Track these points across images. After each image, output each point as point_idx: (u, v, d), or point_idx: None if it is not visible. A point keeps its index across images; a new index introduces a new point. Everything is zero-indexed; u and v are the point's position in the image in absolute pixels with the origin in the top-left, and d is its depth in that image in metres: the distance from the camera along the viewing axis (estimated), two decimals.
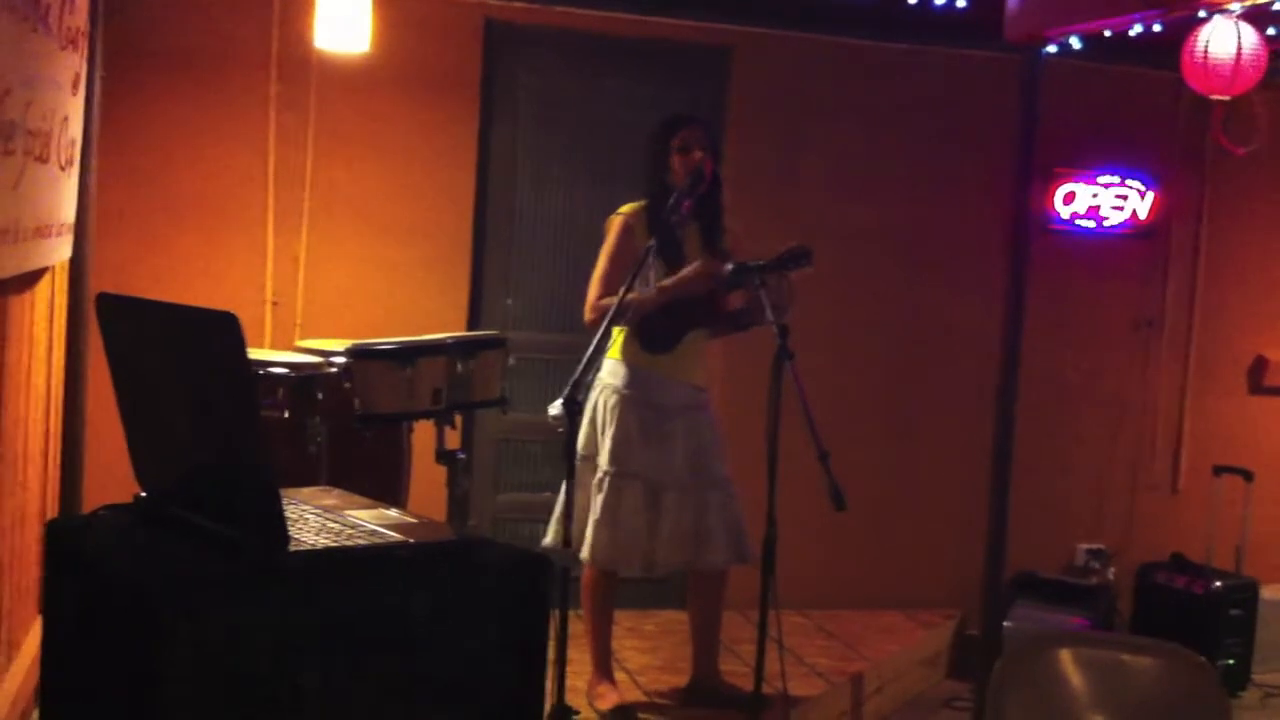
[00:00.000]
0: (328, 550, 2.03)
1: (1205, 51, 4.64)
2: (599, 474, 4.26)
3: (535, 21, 5.53)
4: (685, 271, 4.22)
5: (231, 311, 1.93)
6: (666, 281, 4.21)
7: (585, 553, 4.25)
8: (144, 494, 2.24)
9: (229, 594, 1.91)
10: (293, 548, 2.00)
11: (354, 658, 1.95)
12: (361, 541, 2.08)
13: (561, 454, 3.89)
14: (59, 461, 4.30)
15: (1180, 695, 3.12)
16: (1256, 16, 4.69)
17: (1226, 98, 4.85)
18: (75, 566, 2.18)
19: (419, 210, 5.41)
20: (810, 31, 5.76)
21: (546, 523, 4.39)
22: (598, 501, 4.23)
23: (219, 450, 2.06)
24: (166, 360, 2.13)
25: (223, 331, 1.93)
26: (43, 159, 3.31)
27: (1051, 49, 5.47)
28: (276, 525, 1.98)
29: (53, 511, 4.22)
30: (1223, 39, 4.62)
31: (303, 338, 5.02)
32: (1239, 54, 4.60)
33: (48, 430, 4.19)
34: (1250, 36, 4.62)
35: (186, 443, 2.14)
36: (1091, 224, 6.17)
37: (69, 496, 4.25)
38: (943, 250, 6.01)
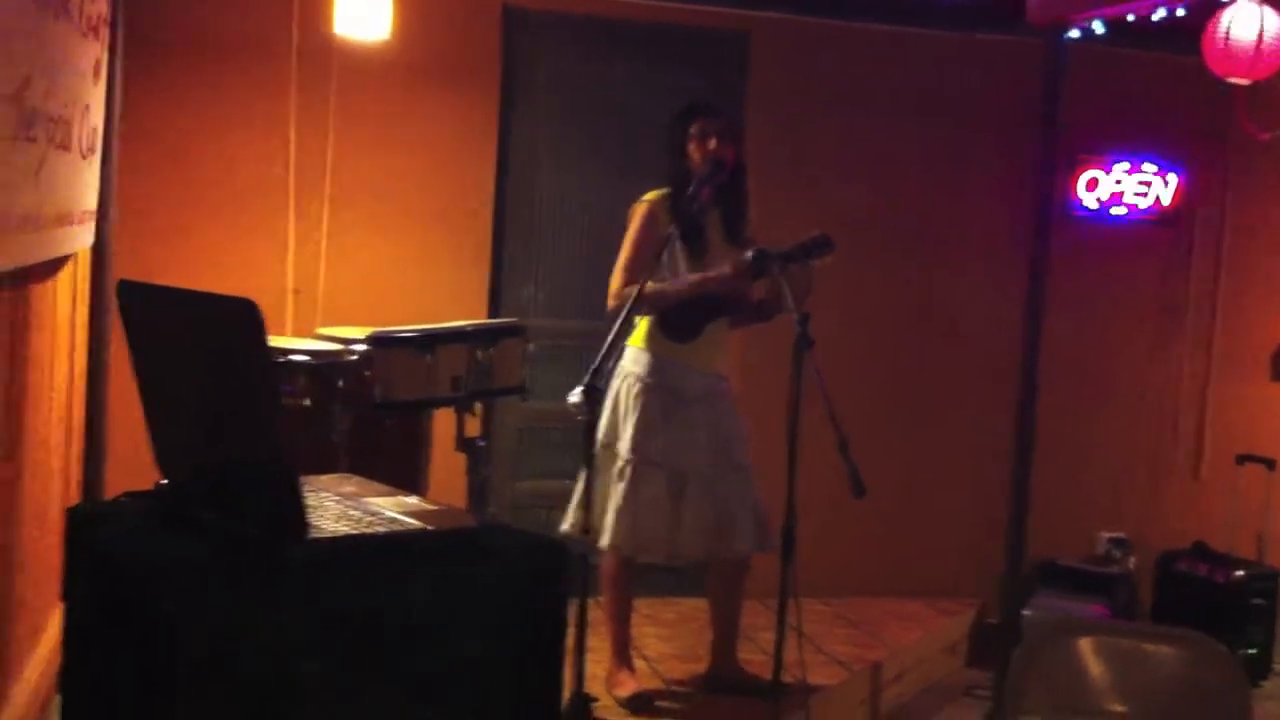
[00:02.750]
0: (347, 538, 2.03)
1: (1227, 35, 4.60)
2: (620, 462, 4.26)
3: (553, 8, 5.53)
4: (714, 274, 4.21)
5: (251, 298, 1.93)
6: (694, 277, 4.21)
7: (606, 540, 4.25)
8: (165, 481, 2.25)
9: (248, 581, 1.91)
10: (312, 535, 2.00)
11: (372, 644, 1.96)
12: (381, 529, 2.08)
13: (581, 442, 3.89)
14: (81, 449, 4.32)
15: (1201, 683, 3.12)
16: None
17: (1246, 81, 4.82)
18: (94, 554, 2.19)
19: (440, 198, 5.41)
20: (829, 17, 5.74)
21: (565, 510, 4.40)
22: (619, 489, 4.23)
23: (239, 437, 2.07)
24: (187, 347, 2.13)
25: (243, 318, 1.93)
26: (64, 146, 3.32)
27: (1074, 34, 5.44)
28: (296, 513, 1.99)
29: (75, 499, 4.24)
30: (1245, 23, 4.59)
31: (324, 325, 5.03)
32: (1260, 38, 4.56)
33: (70, 418, 4.21)
34: (1273, 21, 4.59)
35: (207, 430, 2.14)
36: (1115, 211, 6.14)
37: (91, 484, 4.27)
38: (964, 237, 5.99)
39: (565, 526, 4.32)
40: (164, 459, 2.25)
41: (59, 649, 3.30)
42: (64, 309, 4.04)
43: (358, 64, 5.19)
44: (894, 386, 5.95)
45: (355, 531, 2.06)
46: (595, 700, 3.88)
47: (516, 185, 5.59)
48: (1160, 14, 5.18)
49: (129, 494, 2.28)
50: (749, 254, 4.10)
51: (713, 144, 4.25)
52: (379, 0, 4.76)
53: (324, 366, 4.00)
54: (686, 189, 4.17)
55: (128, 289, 2.22)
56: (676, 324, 4.25)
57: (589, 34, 5.63)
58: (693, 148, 4.28)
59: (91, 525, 2.25)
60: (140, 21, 4.68)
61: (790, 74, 5.79)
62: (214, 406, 2.10)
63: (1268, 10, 4.60)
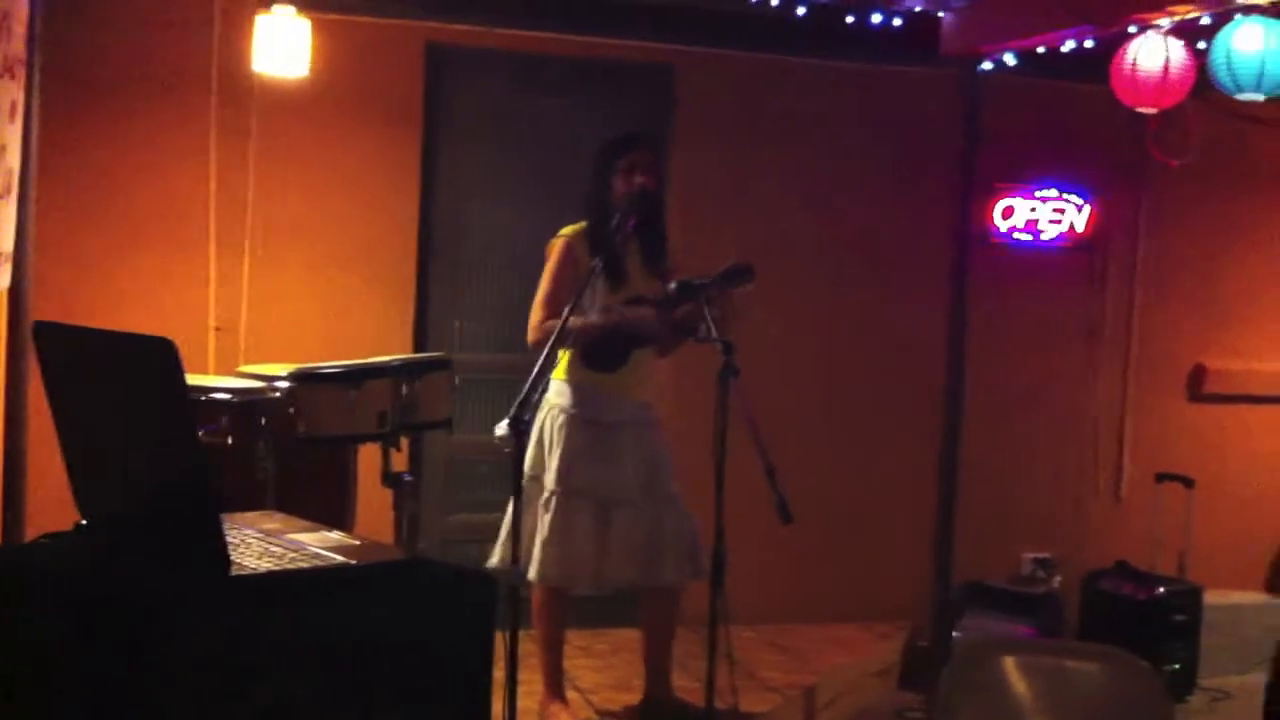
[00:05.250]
0: (269, 573, 2.02)
1: (1133, 65, 4.72)
2: (546, 494, 4.27)
3: (476, 44, 5.55)
4: (633, 313, 4.23)
5: (168, 338, 1.93)
6: (613, 314, 4.23)
7: (533, 572, 4.25)
8: (85, 521, 2.23)
9: (169, 619, 1.90)
10: (235, 571, 1.99)
11: (297, 681, 1.95)
12: (304, 564, 2.08)
13: (510, 475, 3.89)
14: (0, 491, 4.25)
15: (1124, 700, 3.16)
16: (1185, 32, 4.79)
17: (1154, 110, 4.94)
18: (18, 595, 2.17)
19: (363, 233, 5.40)
20: (751, 50, 5.81)
21: (494, 543, 4.39)
22: (545, 521, 4.24)
23: (158, 476, 2.06)
24: (105, 388, 2.12)
25: (160, 358, 1.92)
26: None
27: (987, 65, 5.56)
28: (217, 550, 1.98)
29: None
30: (1151, 53, 4.71)
31: (247, 363, 5.00)
32: (1166, 68, 4.69)
33: None
34: (1178, 50, 4.71)
35: (126, 469, 2.13)
36: (1030, 237, 6.25)
37: (11, 526, 4.20)
38: (887, 263, 6.06)
39: (494, 560, 4.31)
40: (84, 500, 2.24)
41: None
42: None
43: (279, 100, 5.17)
44: (822, 411, 6.00)
45: (277, 567, 2.05)
46: None
47: (441, 219, 5.59)
48: (1069, 45, 5.31)
49: (49, 535, 2.26)
50: (672, 286, 4.13)
51: (638, 177, 4.29)
52: (298, 37, 4.75)
53: (246, 404, 3.97)
54: (606, 221, 4.20)
55: (44, 330, 2.21)
56: (600, 355, 4.28)
57: (512, 69, 5.65)
58: (619, 180, 4.31)
59: (13, 566, 2.23)
60: (58, 61, 4.64)
61: (715, 105, 5.85)
62: (133, 446, 2.09)
63: (1172, 41, 4.73)
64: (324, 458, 4.07)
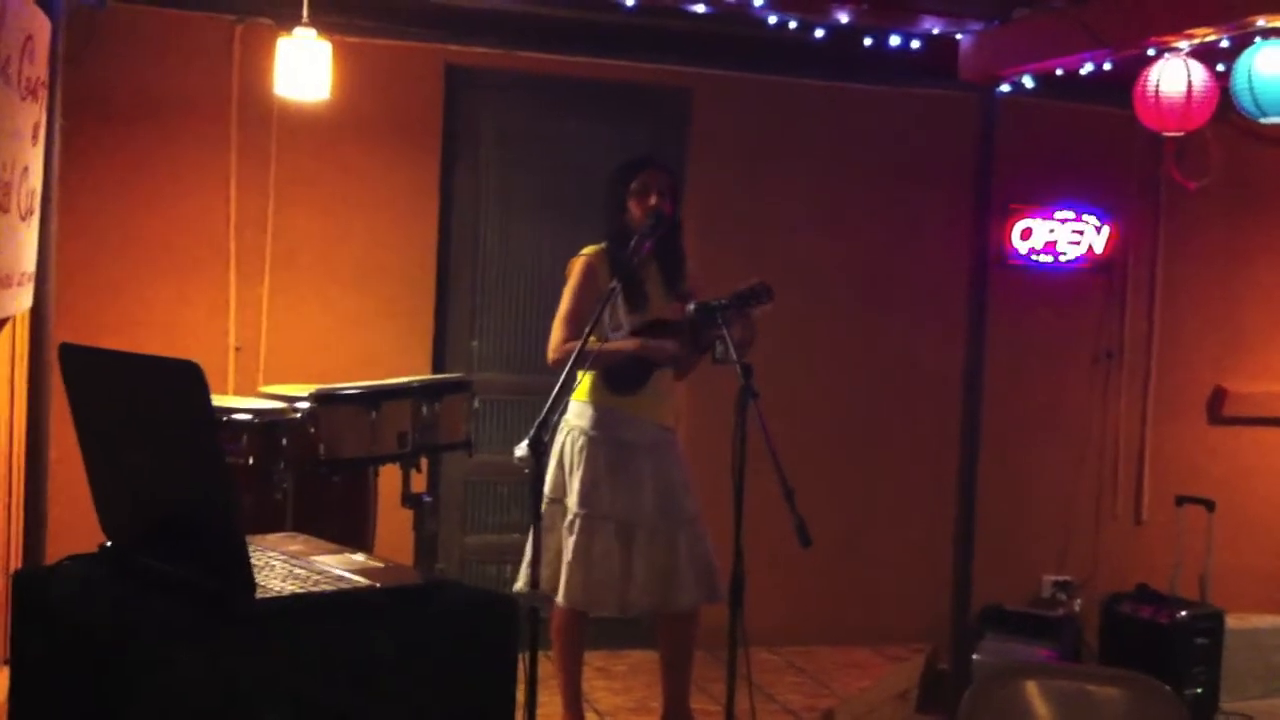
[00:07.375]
0: (294, 596, 2.02)
1: (1157, 90, 4.71)
2: (570, 516, 4.26)
3: (495, 65, 5.57)
4: (655, 345, 4.24)
5: (195, 361, 1.93)
6: (633, 343, 4.23)
7: (560, 595, 4.24)
8: (109, 544, 2.23)
9: (196, 642, 1.90)
10: (259, 594, 1.99)
11: (322, 704, 1.95)
12: (328, 587, 2.08)
13: (528, 495, 3.89)
14: (21, 513, 4.26)
15: None
16: (1204, 54, 4.78)
17: (1180, 134, 4.93)
18: (42, 617, 2.17)
19: (382, 254, 5.42)
20: (768, 73, 5.82)
21: (516, 564, 4.39)
22: (569, 544, 4.23)
23: (184, 499, 2.06)
24: (131, 410, 2.13)
25: (187, 381, 1.93)
26: (3, 209, 3.31)
27: (1005, 88, 5.56)
28: (243, 572, 1.98)
29: (16, 563, 4.18)
30: (1173, 77, 4.70)
31: (266, 383, 5.01)
32: (1190, 91, 4.68)
33: (10, 482, 4.16)
34: (1200, 73, 4.71)
35: (152, 492, 2.13)
36: (1049, 259, 6.24)
37: (32, 548, 4.21)
38: (905, 286, 6.06)
39: (519, 585, 4.30)
40: (109, 521, 2.24)
41: (4, 714, 3.25)
42: (3, 372, 4.00)
43: (299, 122, 5.20)
44: (839, 434, 5.99)
45: (303, 590, 2.05)
46: None
47: (460, 240, 5.61)
48: (1088, 68, 5.31)
49: (73, 557, 2.26)
50: (690, 307, 4.13)
51: (653, 199, 4.29)
52: (319, 60, 4.77)
53: (267, 425, 3.98)
54: (626, 243, 4.21)
55: (70, 353, 2.21)
56: (621, 377, 4.28)
57: (532, 91, 5.68)
58: (633, 203, 4.32)
59: (38, 588, 2.23)
60: (80, 83, 4.67)
61: (732, 128, 5.86)
62: (158, 468, 2.09)
63: (1193, 63, 4.72)
64: (343, 478, 4.07)
